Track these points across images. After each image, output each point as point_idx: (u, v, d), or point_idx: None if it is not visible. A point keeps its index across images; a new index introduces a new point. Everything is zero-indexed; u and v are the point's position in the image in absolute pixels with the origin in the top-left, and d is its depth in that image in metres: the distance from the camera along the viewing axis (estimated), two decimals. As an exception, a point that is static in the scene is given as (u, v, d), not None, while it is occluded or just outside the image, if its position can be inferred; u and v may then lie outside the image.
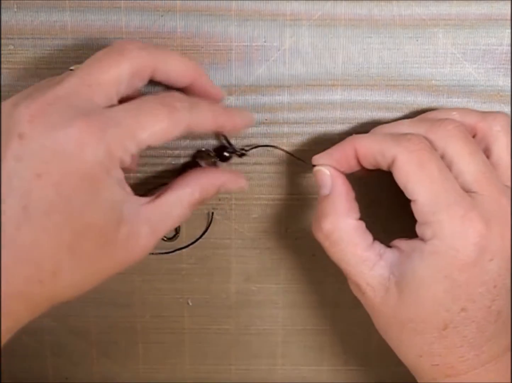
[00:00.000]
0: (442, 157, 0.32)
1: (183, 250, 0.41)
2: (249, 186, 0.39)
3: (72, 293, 0.30)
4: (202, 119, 0.32)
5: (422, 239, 0.31)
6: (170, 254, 0.40)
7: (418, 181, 0.31)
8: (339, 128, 0.38)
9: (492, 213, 0.31)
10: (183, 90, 0.34)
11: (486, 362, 0.32)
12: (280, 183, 0.39)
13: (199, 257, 0.41)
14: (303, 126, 0.38)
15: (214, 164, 0.38)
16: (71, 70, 0.32)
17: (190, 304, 0.43)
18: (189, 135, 0.37)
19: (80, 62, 0.36)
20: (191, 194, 0.33)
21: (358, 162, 0.34)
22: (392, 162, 0.32)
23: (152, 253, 0.40)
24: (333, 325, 0.43)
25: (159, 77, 0.32)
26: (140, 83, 0.32)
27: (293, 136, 0.38)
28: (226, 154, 0.37)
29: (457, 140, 0.32)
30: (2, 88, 0.37)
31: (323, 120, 0.38)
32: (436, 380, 0.33)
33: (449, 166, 0.32)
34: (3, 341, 0.30)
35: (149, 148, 0.30)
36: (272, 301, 0.43)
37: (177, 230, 0.40)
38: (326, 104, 0.37)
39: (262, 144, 0.38)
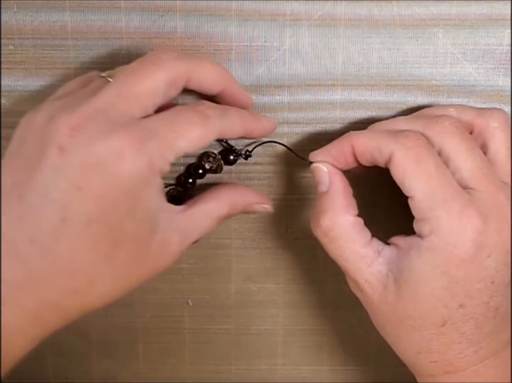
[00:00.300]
0: (439, 153, 0.32)
1: (183, 250, 0.40)
2: (249, 186, 0.39)
3: (103, 301, 0.31)
4: (233, 125, 0.33)
5: (420, 236, 0.31)
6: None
7: (415, 177, 0.31)
8: (339, 128, 0.38)
9: (489, 209, 0.31)
10: (215, 96, 0.34)
11: (485, 358, 0.32)
12: (280, 183, 0.39)
13: (199, 257, 0.41)
14: (303, 126, 0.38)
15: (219, 167, 0.38)
16: (102, 76, 0.32)
17: (190, 304, 0.43)
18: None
19: (80, 62, 0.36)
20: (221, 209, 0.34)
21: (355, 159, 0.34)
22: (389, 159, 0.32)
23: None
24: (332, 325, 0.43)
25: (193, 85, 0.32)
26: (175, 93, 0.32)
27: (293, 136, 0.38)
28: (231, 157, 0.38)
29: (454, 136, 0.32)
30: (2, 88, 0.37)
31: (323, 120, 0.38)
32: (435, 377, 0.33)
33: (446, 163, 0.32)
34: (30, 347, 0.31)
35: (185, 155, 0.31)
36: (272, 301, 0.43)
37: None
38: (326, 104, 0.37)
39: (262, 141, 0.38)
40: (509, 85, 0.37)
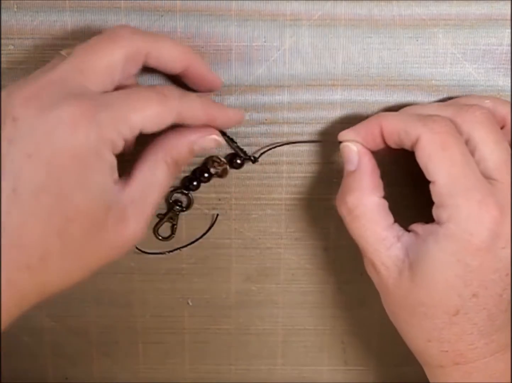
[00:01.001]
0: (467, 142, 0.32)
1: (183, 250, 0.41)
2: (249, 186, 0.39)
3: (61, 282, 0.30)
4: (193, 108, 0.32)
5: (438, 222, 0.31)
6: (170, 254, 0.40)
7: (439, 162, 0.31)
8: (339, 128, 0.38)
9: (508, 201, 0.31)
10: (180, 77, 0.34)
11: (496, 351, 0.32)
12: (280, 183, 0.39)
13: (199, 257, 0.41)
14: (303, 126, 0.38)
15: (224, 171, 0.38)
16: (61, 54, 0.32)
17: (190, 304, 0.43)
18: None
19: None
20: (164, 161, 0.32)
21: (383, 140, 0.34)
22: (416, 142, 0.32)
23: (153, 253, 0.40)
24: (333, 325, 0.43)
25: (152, 62, 0.32)
26: (133, 69, 0.32)
27: (293, 136, 0.38)
28: (238, 161, 0.38)
29: (483, 127, 0.32)
30: (2, 88, 0.37)
31: (323, 120, 0.38)
32: (444, 367, 0.33)
33: (472, 151, 0.32)
34: None
35: (143, 134, 0.30)
36: (272, 301, 0.43)
37: (173, 231, 0.40)
38: (326, 104, 0.37)
39: (264, 144, 0.38)
40: (509, 85, 0.37)
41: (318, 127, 0.38)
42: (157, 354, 0.44)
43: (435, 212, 0.32)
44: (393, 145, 0.34)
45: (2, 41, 0.36)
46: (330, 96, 0.37)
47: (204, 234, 0.40)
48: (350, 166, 0.35)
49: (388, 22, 0.36)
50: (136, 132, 0.30)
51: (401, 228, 0.33)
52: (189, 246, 0.40)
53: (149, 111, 0.30)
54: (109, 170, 0.29)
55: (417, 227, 0.33)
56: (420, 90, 0.37)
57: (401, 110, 0.35)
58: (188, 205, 0.39)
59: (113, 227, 0.30)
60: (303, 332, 0.43)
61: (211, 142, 0.34)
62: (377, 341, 0.43)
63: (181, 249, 0.40)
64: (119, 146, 0.30)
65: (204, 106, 0.33)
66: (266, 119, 0.38)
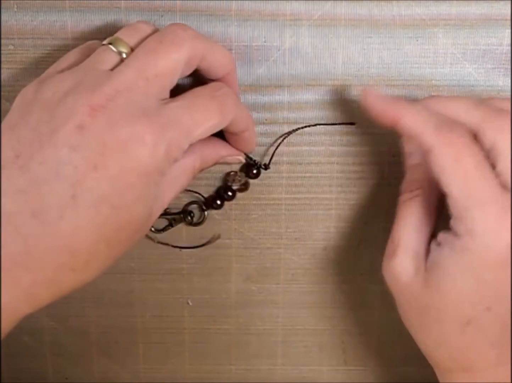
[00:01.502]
0: (490, 149, 0.31)
1: (183, 249, 0.41)
2: (249, 185, 0.39)
3: (93, 277, 0.31)
4: (243, 117, 0.33)
5: (455, 234, 0.31)
6: (170, 253, 0.40)
7: (451, 175, 0.30)
8: (339, 127, 0.38)
9: None
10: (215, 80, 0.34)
11: (506, 362, 0.32)
12: (280, 183, 0.39)
13: (199, 257, 0.41)
14: (303, 131, 0.38)
15: (247, 184, 0.38)
16: (104, 45, 0.32)
17: (190, 304, 0.43)
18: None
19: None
20: (194, 163, 0.33)
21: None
22: (428, 151, 0.31)
23: (175, 247, 0.40)
24: (333, 325, 0.43)
25: (203, 66, 0.32)
26: (189, 72, 0.32)
27: (293, 136, 0.38)
28: (254, 171, 0.38)
29: (503, 133, 0.31)
30: (2, 88, 0.37)
31: (323, 120, 0.38)
32: (452, 373, 0.33)
33: (494, 160, 0.30)
34: (16, 323, 0.30)
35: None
36: (272, 301, 0.42)
37: (164, 229, 0.40)
38: (326, 104, 0.37)
39: (264, 144, 0.38)
40: (509, 85, 0.37)
41: (318, 127, 0.38)
42: (157, 354, 0.44)
43: (452, 223, 0.31)
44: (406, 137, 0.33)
45: (2, 41, 0.36)
46: (330, 96, 0.37)
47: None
48: (414, 159, 0.35)
49: (388, 22, 0.36)
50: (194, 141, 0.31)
51: (433, 239, 0.33)
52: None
53: (210, 123, 0.31)
54: (164, 183, 0.31)
55: (441, 234, 0.32)
56: (420, 90, 0.37)
57: (428, 100, 0.34)
58: (199, 222, 0.40)
59: (146, 229, 0.32)
60: (303, 332, 0.43)
61: (235, 161, 0.36)
62: (377, 341, 0.43)
63: (201, 246, 0.40)
64: (179, 159, 0.31)
65: (249, 118, 0.34)
66: (266, 119, 0.38)
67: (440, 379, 0.35)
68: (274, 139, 0.38)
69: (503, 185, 0.30)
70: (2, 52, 0.36)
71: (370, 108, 0.33)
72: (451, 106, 0.33)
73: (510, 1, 0.35)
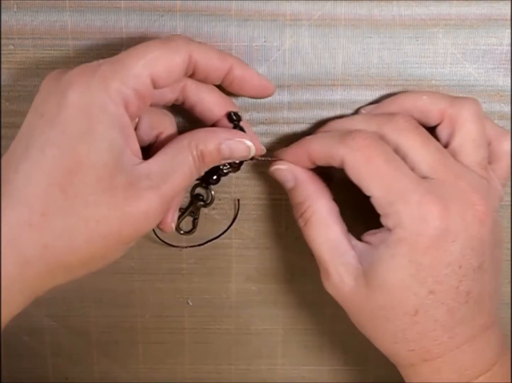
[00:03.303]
0: (397, 150, 0.32)
1: (183, 249, 0.41)
2: (249, 186, 0.39)
3: (65, 246, 0.28)
4: (206, 52, 0.32)
5: (387, 230, 0.32)
6: (170, 253, 0.40)
7: (368, 177, 0.32)
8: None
9: (450, 196, 0.31)
10: (226, 87, 0.34)
11: (461, 343, 0.33)
12: (280, 183, 0.39)
13: (199, 257, 0.41)
14: (303, 126, 0.38)
15: (241, 162, 0.37)
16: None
17: (190, 304, 0.43)
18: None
19: (80, 62, 0.36)
20: (188, 148, 0.32)
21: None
22: (342, 163, 0.32)
23: (172, 245, 0.40)
24: (333, 325, 0.43)
25: (199, 68, 0.32)
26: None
27: (293, 136, 0.38)
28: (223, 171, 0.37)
29: (408, 132, 0.33)
30: (2, 88, 0.37)
31: (323, 120, 0.38)
32: (415, 366, 0.34)
33: (404, 158, 0.32)
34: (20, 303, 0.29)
35: (157, 85, 0.30)
36: (272, 301, 0.43)
37: (194, 225, 0.40)
38: (326, 104, 0.37)
39: (264, 144, 0.38)
40: (509, 85, 0.37)
41: (318, 127, 0.38)
42: (157, 354, 0.44)
43: (382, 221, 0.32)
44: (326, 165, 0.34)
45: (2, 41, 0.36)
46: (330, 96, 0.37)
47: (232, 222, 0.40)
48: (288, 184, 0.36)
49: (388, 22, 0.36)
50: (146, 81, 0.30)
51: (354, 238, 0.34)
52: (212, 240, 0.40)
53: (152, 54, 0.30)
54: (116, 123, 0.29)
55: (369, 236, 0.33)
56: (420, 90, 0.37)
57: (327, 125, 0.36)
58: (210, 201, 0.39)
59: (122, 194, 0.29)
60: (303, 332, 0.43)
61: (240, 145, 0.33)
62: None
63: (201, 245, 0.40)
64: (131, 100, 0.30)
65: (220, 52, 0.32)
66: (266, 119, 0.38)
67: (406, 378, 0.35)
68: (273, 138, 0.38)
69: (421, 176, 0.32)
70: (2, 52, 0.36)
71: (288, 166, 0.35)
72: (348, 124, 0.35)
73: (510, 1, 0.35)
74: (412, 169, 0.32)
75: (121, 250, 0.31)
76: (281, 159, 0.36)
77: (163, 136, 0.34)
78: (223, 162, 0.34)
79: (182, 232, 0.40)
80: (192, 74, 0.32)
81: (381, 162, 0.31)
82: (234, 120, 0.34)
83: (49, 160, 0.28)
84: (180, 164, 0.31)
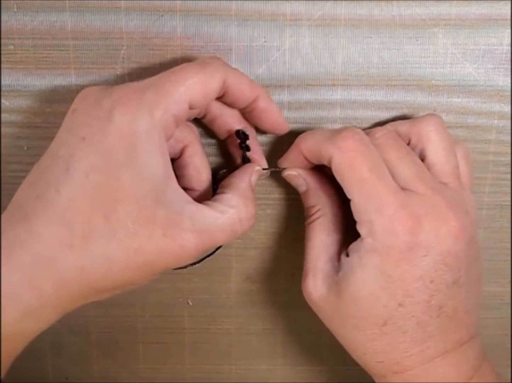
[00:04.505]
0: (384, 160, 0.33)
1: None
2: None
3: (102, 270, 0.29)
4: (240, 77, 0.33)
5: (361, 239, 0.32)
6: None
7: (350, 181, 0.32)
8: (338, 122, 0.38)
9: (426, 211, 0.31)
10: (247, 114, 0.35)
11: (433, 357, 0.33)
12: (280, 183, 0.39)
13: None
14: (303, 126, 0.38)
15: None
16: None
17: (191, 303, 0.43)
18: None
19: (80, 62, 0.36)
20: (237, 205, 0.32)
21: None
22: (330, 162, 0.33)
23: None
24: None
25: (229, 91, 0.33)
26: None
27: (293, 136, 0.38)
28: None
29: (385, 146, 0.33)
30: (2, 88, 0.37)
31: (323, 120, 0.38)
32: (386, 377, 0.34)
33: (389, 170, 0.32)
34: (22, 317, 0.29)
35: (192, 107, 0.31)
36: (272, 301, 0.43)
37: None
38: (326, 104, 0.37)
39: (264, 143, 0.38)
40: (509, 85, 0.37)
41: (318, 126, 0.38)
42: (157, 354, 0.44)
43: (357, 227, 0.33)
44: (317, 164, 0.35)
45: (2, 41, 0.36)
46: (330, 96, 0.37)
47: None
48: (301, 188, 0.37)
49: (388, 22, 0.36)
50: (185, 107, 0.30)
51: (344, 250, 0.34)
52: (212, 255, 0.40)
53: (192, 80, 0.30)
54: (159, 153, 0.30)
55: (350, 247, 0.34)
56: (420, 90, 0.37)
57: (320, 129, 0.37)
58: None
59: (161, 229, 0.29)
60: (303, 332, 0.43)
61: (257, 175, 0.35)
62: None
63: (208, 257, 0.40)
64: (171, 126, 0.30)
65: (251, 81, 0.33)
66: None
67: None
68: (273, 138, 0.38)
69: (404, 187, 0.32)
70: (2, 52, 0.36)
71: (290, 165, 0.36)
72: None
73: (510, 1, 0.35)
74: (396, 180, 0.32)
75: (150, 279, 0.32)
76: (283, 168, 0.37)
77: (188, 149, 0.35)
78: None
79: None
80: (221, 96, 0.33)
81: (364, 169, 0.31)
82: (241, 138, 0.35)
83: (93, 186, 0.28)
84: (226, 224, 0.32)
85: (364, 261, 0.32)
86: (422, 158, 0.34)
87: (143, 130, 0.29)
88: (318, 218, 0.35)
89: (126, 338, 0.44)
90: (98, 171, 0.28)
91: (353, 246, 0.33)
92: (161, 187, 0.29)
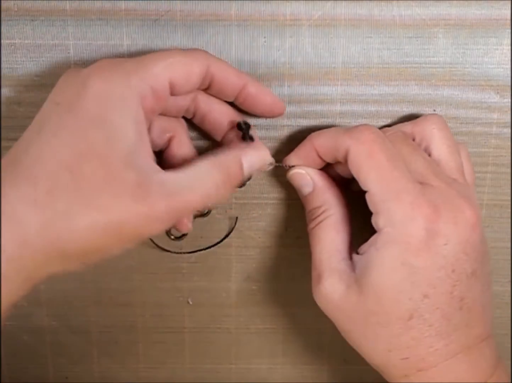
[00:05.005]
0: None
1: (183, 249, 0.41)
2: (249, 185, 0.39)
3: (67, 228, 0.28)
4: (223, 65, 0.33)
5: (377, 231, 0.32)
6: (171, 253, 0.41)
7: (368, 171, 0.32)
8: (338, 122, 0.38)
9: (442, 201, 0.32)
10: (239, 103, 0.35)
11: (456, 352, 0.33)
12: (280, 182, 0.39)
13: (199, 256, 0.41)
14: (303, 127, 0.38)
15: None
16: None
17: (191, 303, 0.43)
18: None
19: (80, 63, 0.36)
20: (211, 166, 0.31)
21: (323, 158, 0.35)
22: (346, 154, 0.33)
23: (168, 251, 0.40)
24: (333, 324, 0.43)
25: (215, 80, 0.33)
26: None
27: (293, 128, 0.38)
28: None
29: (396, 143, 0.33)
30: (2, 88, 0.37)
31: (323, 120, 0.38)
32: (408, 376, 0.33)
33: (409, 161, 0.33)
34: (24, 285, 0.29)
35: (174, 90, 0.31)
36: (272, 300, 0.43)
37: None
38: (327, 104, 0.37)
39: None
40: (509, 85, 0.37)
41: (318, 127, 0.38)
42: (157, 353, 0.44)
43: (373, 221, 0.32)
44: (332, 162, 0.35)
45: (2, 41, 0.36)
46: (330, 96, 0.37)
47: (225, 237, 0.40)
48: (307, 188, 0.36)
49: (388, 22, 0.36)
50: (164, 83, 0.31)
51: (355, 251, 0.34)
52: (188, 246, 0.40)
53: (173, 58, 0.31)
54: (132, 118, 0.30)
55: (361, 247, 0.33)
56: (420, 90, 0.37)
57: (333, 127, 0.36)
58: (207, 212, 0.39)
59: (129, 190, 0.28)
60: (304, 331, 0.43)
61: (259, 159, 0.34)
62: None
63: (204, 250, 0.40)
64: (148, 97, 0.30)
65: (237, 70, 0.33)
66: (266, 119, 0.38)
67: None
68: (274, 142, 0.38)
69: (418, 181, 0.32)
70: (2, 52, 0.36)
71: (300, 163, 0.36)
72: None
73: (510, 1, 0.35)
74: (413, 172, 0.32)
75: (119, 247, 0.30)
76: (292, 165, 0.36)
77: (175, 140, 0.35)
78: (245, 180, 0.34)
79: (172, 237, 0.40)
80: (207, 87, 0.33)
81: (383, 158, 0.32)
82: (243, 128, 0.34)
83: (61, 143, 0.28)
84: (200, 182, 0.31)
85: (383, 253, 0.31)
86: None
87: (118, 93, 0.29)
88: (326, 218, 0.35)
89: (126, 338, 0.44)
90: (67, 129, 0.29)
91: (366, 243, 0.33)
92: (132, 151, 0.29)
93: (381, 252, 0.32)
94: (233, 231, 0.40)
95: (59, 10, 0.35)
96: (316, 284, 0.34)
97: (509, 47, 0.36)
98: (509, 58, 0.36)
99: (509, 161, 0.38)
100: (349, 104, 0.37)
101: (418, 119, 0.35)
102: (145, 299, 0.42)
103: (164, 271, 0.42)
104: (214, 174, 0.31)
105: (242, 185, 0.36)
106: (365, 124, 0.33)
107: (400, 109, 0.37)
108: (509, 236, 0.40)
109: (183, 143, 0.35)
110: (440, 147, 0.34)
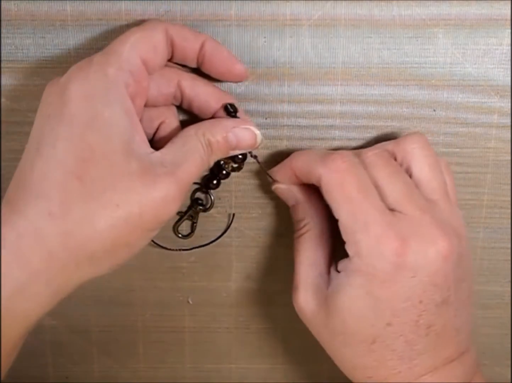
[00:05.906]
0: (372, 182, 0.33)
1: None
2: (249, 184, 0.39)
3: (86, 232, 0.29)
4: (180, 27, 0.33)
5: (349, 258, 0.32)
6: (170, 252, 0.41)
7: (338, 201, 0.32)
8: (338, 123, 0.38)
9: (413, 232, 0.31)
10: (201, 68, 0.35)
11: (421, 374, 0.33)
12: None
13: (199, 256, 0.41)
14: (303, 127, 0.38)
15: (242, 163, 0.37)
16: None
17: (191, 302, 0.43)
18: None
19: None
20: (196, 136, 0.32)
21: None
22: (319, 182, 0.33)
23: (168, 249, 0.40)
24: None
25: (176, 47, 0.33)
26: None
27: (293, 129, 0.38)
28: (240, 156, 0.36)
29: (375, 165, 0.33)
30: (2, 88, 0.37)
31: (323, 120, 0.38)
32: None
33: (377, 189, 0.32)
34: (15, 295, 0.28)
35: (148, 66, 0.32)
36: (272, 300, 0.43)
37: (192, 229, 0.40)
38: (327, 104, 0.37)
39: (264, 146, 0.38)
40: (509, 85, 0.37)
41: (318, 128, 0.38)
42: (157, 353, 0.44)
43: (346, 248, 0.33)
44: (308, 183, 0.35)
45: (2, 40, 0.36)
46: (331, 96, 0.37)
47: (223, 233, 0.40)
48: (289, 202, 0.37)
49: (388, 22, 0.36)
50: (138, 62, 0.31)
51: (334, 266, 0.34)
52: (206, 246, 0.40)
53: (134, 36, 0.31)
54: (119, 107, 0.30)
55: (339, 263, 0.34)
56: (420, 90, 0.37)
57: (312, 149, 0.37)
58: (210, 205, 0.39)
59: (138, 179, 0.29)
60: (304, 331, 0.43)
61: (246, 133, 0.34)
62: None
63: (199, 247, 0.40)
64: (130, 83, 0.31)
65: (193, 29, 0.34)
66: (266, 118, 0.38)
67: None
68: (274, 141, 0.38)
69: (390, 208, 0.32)
70: (2, 52, 0.36)
71: (280, 180, 0.36)
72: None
73: (510, 1, 0.35)
74: (383, 200, 0.32)
75: (145, 237, 0.31)
76: (276, 180, 0.37)
77: (165, 125, 0.35)
78: (231, 153, 0.34)
79: (180, 236, 0.40)
80: (172, 55, 0.33)
81: (353, 189, 0.32)
82: (231, 111, 0.35)
83: (61, 153, 0.29)
84: (191, 152, 0.32)
85: (351, 281, 0.32)
86: (409, 176, 0.34)
87: (98, 87, 0.30)
88: (306, 232, 0.36)
89: (126, 337, 0.44)
90: (64, 138, 0.29)
91: (341, 263, 0.33)
92: (128, 140, 0.30)
93: (348, 279, 0.32)
94: (233, 231, 0.40)
95: (59, 11, 0.35)
96: (294, 294, 0.35)
97: (509, 47, 0.36)
98: (509, 58, 0.36)
99: (509, 161, 0.38)
100: (349, 104, 0.37)
101: (399, 139, 0.35)
102: (145, 298, 0.42)
103: (164, 270, 0.42)
104: (198, 145, 0.32)
105: (238, 167, 0.37)
106: (339, 152, 0.33)
107: (400, 109, 0.37)
108: (509, 236, 0.40)
109: (172, 127, 0.35)
110: (421, 167, 0.34)
